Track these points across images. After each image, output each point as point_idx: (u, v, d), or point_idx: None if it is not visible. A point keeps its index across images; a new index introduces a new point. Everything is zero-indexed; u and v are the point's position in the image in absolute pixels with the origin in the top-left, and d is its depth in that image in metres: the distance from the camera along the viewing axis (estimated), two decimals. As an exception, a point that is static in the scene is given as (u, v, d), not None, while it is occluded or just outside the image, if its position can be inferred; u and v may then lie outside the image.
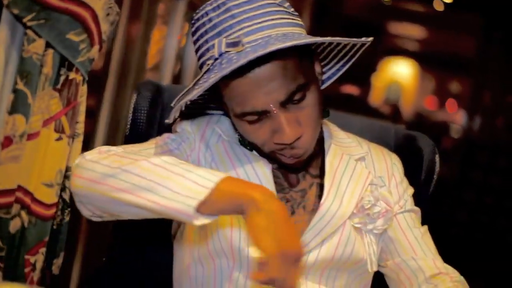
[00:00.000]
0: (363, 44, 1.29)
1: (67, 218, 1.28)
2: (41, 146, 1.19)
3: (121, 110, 2.51)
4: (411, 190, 1.47)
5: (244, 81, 1.19)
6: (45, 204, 1.21)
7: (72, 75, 1.21)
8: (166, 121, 1.29)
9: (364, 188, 1.39)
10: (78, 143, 1.27)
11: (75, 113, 1.23)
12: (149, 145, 1.33)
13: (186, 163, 1.15)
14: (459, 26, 7.44)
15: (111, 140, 2.49)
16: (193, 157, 1.36)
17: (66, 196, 1.28)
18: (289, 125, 1.21)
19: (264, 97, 1.19)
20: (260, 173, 1.34)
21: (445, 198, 6.26)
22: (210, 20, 1.23)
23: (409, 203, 1.46)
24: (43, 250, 1.22)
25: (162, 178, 1.11)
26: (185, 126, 1.41)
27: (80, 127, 1.27)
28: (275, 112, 1.20)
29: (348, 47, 1.31)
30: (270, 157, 1.32)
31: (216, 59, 1.20)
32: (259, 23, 1.21)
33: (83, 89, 1.25)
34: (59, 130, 1.21)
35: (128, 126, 1.62)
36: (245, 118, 1.23)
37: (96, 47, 1.22)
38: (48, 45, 1.17)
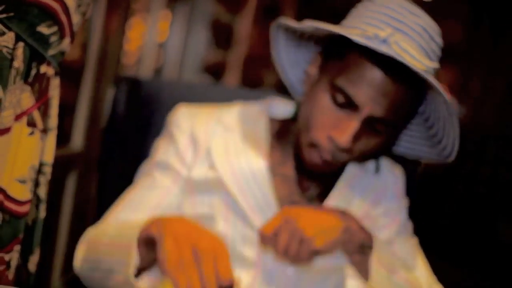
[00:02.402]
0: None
1: (42, 215, 1.25)
2: (13, 142, 1.16)
3: (99, 105, 2.49)
4: (405, 201, 1.49)
5: (371, 71, 1.22)
6: (18, 201, 1.18)
7: (43, 69, 1.18)
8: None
9: (373, 200, 1.41)
10: (52, 137, 1.25)
11: (47, 107, 1.21)
12: (156, 181, 1.41)
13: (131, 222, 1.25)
14: (447, 13, 7.44)
15: (89, 135, 2.47)
16: (189, 157, 1.39)
17: (41, 193, 1.25)
18: (353, 135, 1.24)
19: (369, 99, 1.22)
20: (255, 168, 1.36)
21: (434, 189, 6.25)
22: (399, 13, 1.27)
23: (404, 215, 1.48)
24: (17, 247, 1.20)
25: (111, 255, 1.22)
26: (184, 127, 1.40)
27: (53, 122, 1.24)
28: (359, 115, 1.23)
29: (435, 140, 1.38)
30: (301, 151, 1.33)
31: (376, 37, 1.23)
32: (425, 51, 1.26)
33: (55, 83, 1.23)
34: (32, 124, 1.18)
35: (106, 122, 1.61)
36: (335, 93, 1.25)
37: (67, 39, 1.19)
38: (18, 38, 1.14)
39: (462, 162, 6.65)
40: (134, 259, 1.13)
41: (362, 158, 1.31)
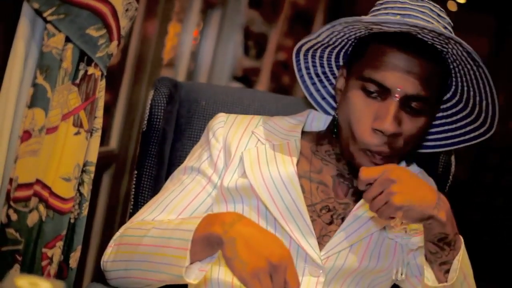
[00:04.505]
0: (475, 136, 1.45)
1: (84, 212, 1.28)
2: (59, 140, 1.20)
3: (136, 106, 2.52)
4: None
5: (395, 54, 1.27)
6: (62, 198, 1.21)
7: (91, 70, 1.21)
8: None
9: None
10: (96, 138, 1.28)
11: (93, 108, 1.24)
12: (187, 179, 1.41)
13: (172, 222, 1.25)
14: (472, 27, 7.43)
15: (126, 135, 2.50)
16: (221, 164, 1.41)
17: (83, 191, 1.28)
18: (394, 119, 1.27)
19: (398, 79, 1.27)
20: (284, 175, 1.36)
21: (456, 200, 6.24)
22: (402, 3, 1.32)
23: None
24: (60, 243, 1.23)
25: (155, 256, 1.22)
26: (218, 135, 1.42)
27: (98, 122, 1.28)
28: (394, 97, 1.27)
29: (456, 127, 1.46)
30: (355, 159, 1.35)
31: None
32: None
33: (102, 84, 1.26)
34: (78, 124, 1.21)
35: (145, 122, 1.63)
36: (366, 85, 1.29)
37: (115, 43, 1.22)
38: (67, 40, 1.17)
39: (484, 173, 6.63)
40: (187, 261, 1.14)
41: (415, 142, 1.34)
